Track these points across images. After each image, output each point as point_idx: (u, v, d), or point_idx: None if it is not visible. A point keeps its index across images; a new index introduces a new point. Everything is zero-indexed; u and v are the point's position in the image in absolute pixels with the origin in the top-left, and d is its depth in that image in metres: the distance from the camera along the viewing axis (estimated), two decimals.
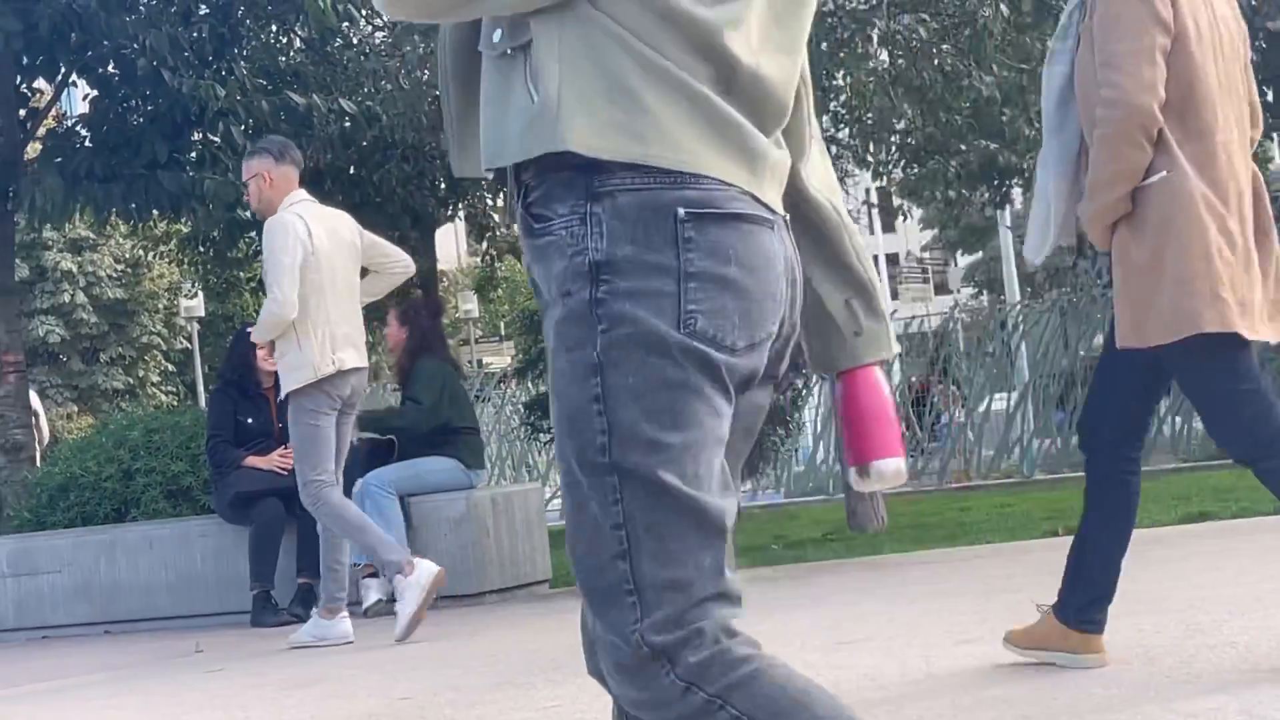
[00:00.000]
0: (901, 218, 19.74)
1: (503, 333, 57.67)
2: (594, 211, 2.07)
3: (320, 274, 7.90)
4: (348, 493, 9.32)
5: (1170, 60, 4.48)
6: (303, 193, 8.13)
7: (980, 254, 48.91)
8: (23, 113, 13.32)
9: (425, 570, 7.79)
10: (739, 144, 2.11)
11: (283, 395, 8.10)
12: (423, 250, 18.01)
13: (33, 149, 13.55)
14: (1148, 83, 4.43)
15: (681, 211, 2.05)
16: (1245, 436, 4.47)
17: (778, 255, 2.14)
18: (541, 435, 16.37)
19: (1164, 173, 4.46)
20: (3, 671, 8.54)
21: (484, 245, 20.16)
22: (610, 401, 2.05)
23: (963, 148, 13.33)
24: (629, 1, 2.04)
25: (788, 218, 2.23)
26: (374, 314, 11.90)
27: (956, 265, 55.63)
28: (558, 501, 19.67)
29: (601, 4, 2.05)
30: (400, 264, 8.62)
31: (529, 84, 2.10)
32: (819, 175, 2.47)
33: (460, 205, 18.17)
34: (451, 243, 48.40)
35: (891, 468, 2.52)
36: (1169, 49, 4.48)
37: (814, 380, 16.65)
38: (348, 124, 14.05)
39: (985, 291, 49.25)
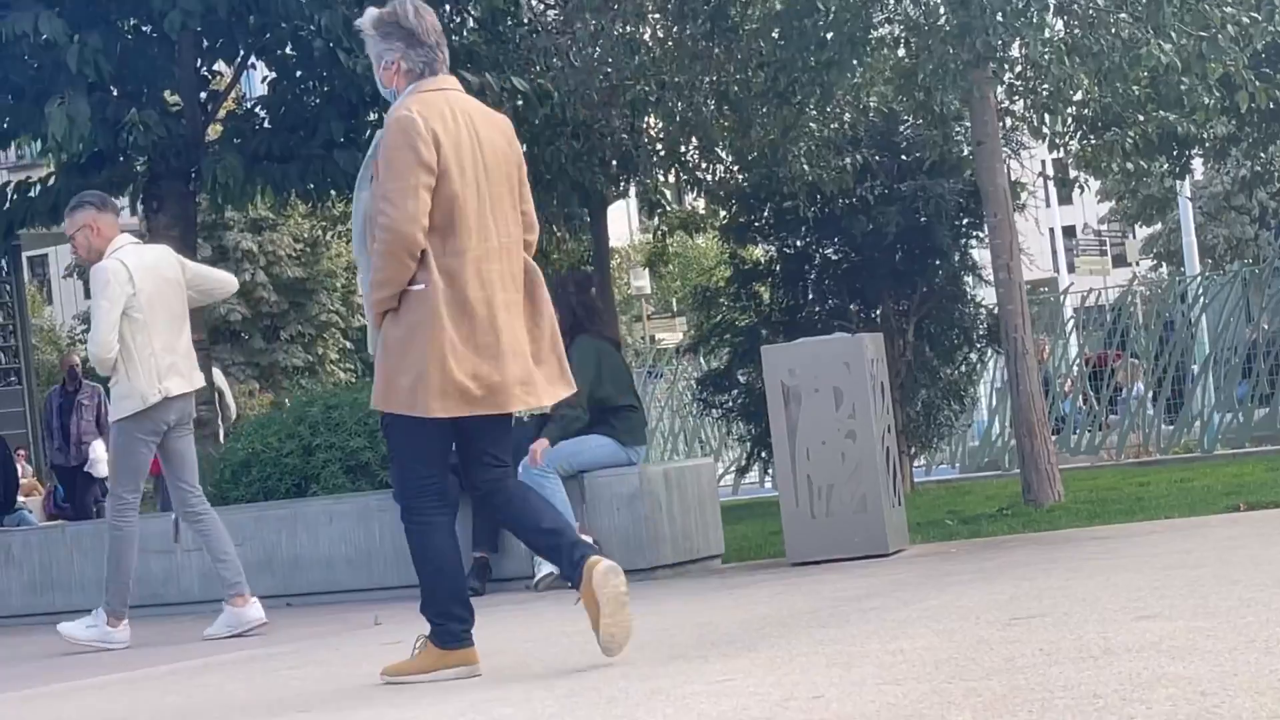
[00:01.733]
0: (1078, 190, 19.40)
1: (675, 308, 57.76)
2: None
3: (143, 312, 8.62)
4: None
5: (435, 195, 5.55)
6: (126, 237, 8.90)
7: (1159, 226, 48.09)
8: (203, 95, 13.57)
9: (251, 612, 8.78)
10: None
11: (111, 420, 8.87)
12: (594, 227, 18.12)
13: (213, 131, 13.81)
14: (411, 215, 5.51)
15: None
16: (402, 496, 6.00)
17: None
18: (714, 410, 16.37)
19: (421, 285, 5.56)
20: (191, 643, 8.73)
21: (655, 221, 20.19)
22: None
23: (1140, 118, 13.13)
24: None
25: None
26: None
27: (1134, 237, 54.77)
28: (730, 477, 19.69)
29: None
30: (223, 286, 9.44)
31: None
32: None
33: (631, 182, 18.22)
34: (623, 220, 48.52)
35: None
36: (433, 186, 5.54)
37: (988, 355, 16.48)
38: (520, 102, 14.15)
39: (1164, 264, 48.44)
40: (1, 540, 11.45)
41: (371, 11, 5.86)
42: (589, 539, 9.33)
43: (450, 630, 5.84)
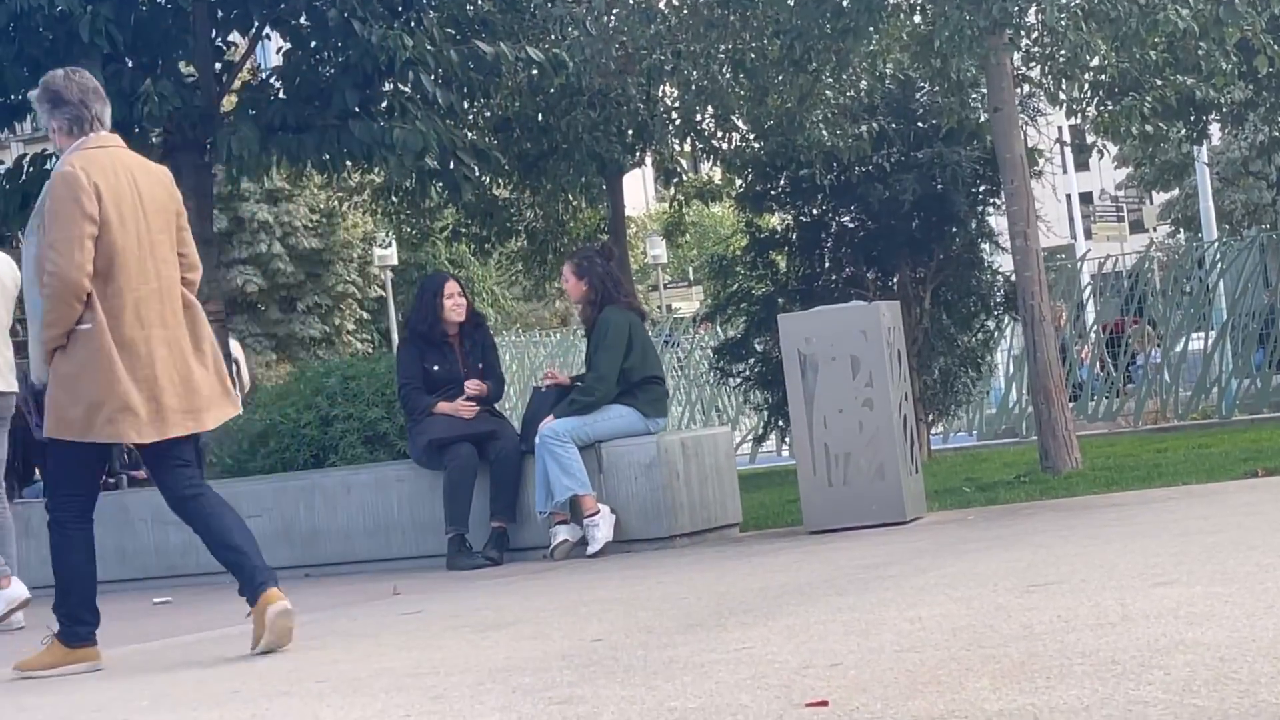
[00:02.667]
0: (1096, 155, 19.34)
1: (691, 277, 57.71)
2: None
3: None
4: (531, 442, 9.48)
5: (98, 243, 6.22)
6: None
7: (1176, 191, 47.93)
8: (218, 66, 13.56)
9: (14, 592, 8.79)
10: None
11: None
12: (610, 196, 18.10)
13: (228, 102, 13.81)
14: (78, 263, 6.18)
15: None
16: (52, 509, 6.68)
17: None
18: (731, 379, 16.36)
19: (88, 325, 6.24)
20: (211, 614, 8.75)
21: (671, 191, 20.16)
22: None
23: (1158, 83, 13.07)
24: None
25: None
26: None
27: (1151, 203, 54.57)
28: (747, 446, 19.69)
29: None
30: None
31: None
32: None
33: (647, 151, 18.19)
34: (639, 188, 48.49)
35: None
36: (96, 234, 6.21)
37: (1005, 323, 16.45)
38: (535, 72, 14.13)
39: (1181, 229, 48.28)
40: (21, 512, 11.47)
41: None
42: (606, 508, 9.39)
43: (76, 632, 6.63)
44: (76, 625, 6.64)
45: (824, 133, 13.22)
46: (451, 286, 10.23)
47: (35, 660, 6.60)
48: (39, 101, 6.55)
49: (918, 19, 12.37)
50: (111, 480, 15.57)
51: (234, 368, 14.23)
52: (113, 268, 6.28)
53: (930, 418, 16.22)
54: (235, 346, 16.17)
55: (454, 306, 10.10)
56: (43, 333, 6.31)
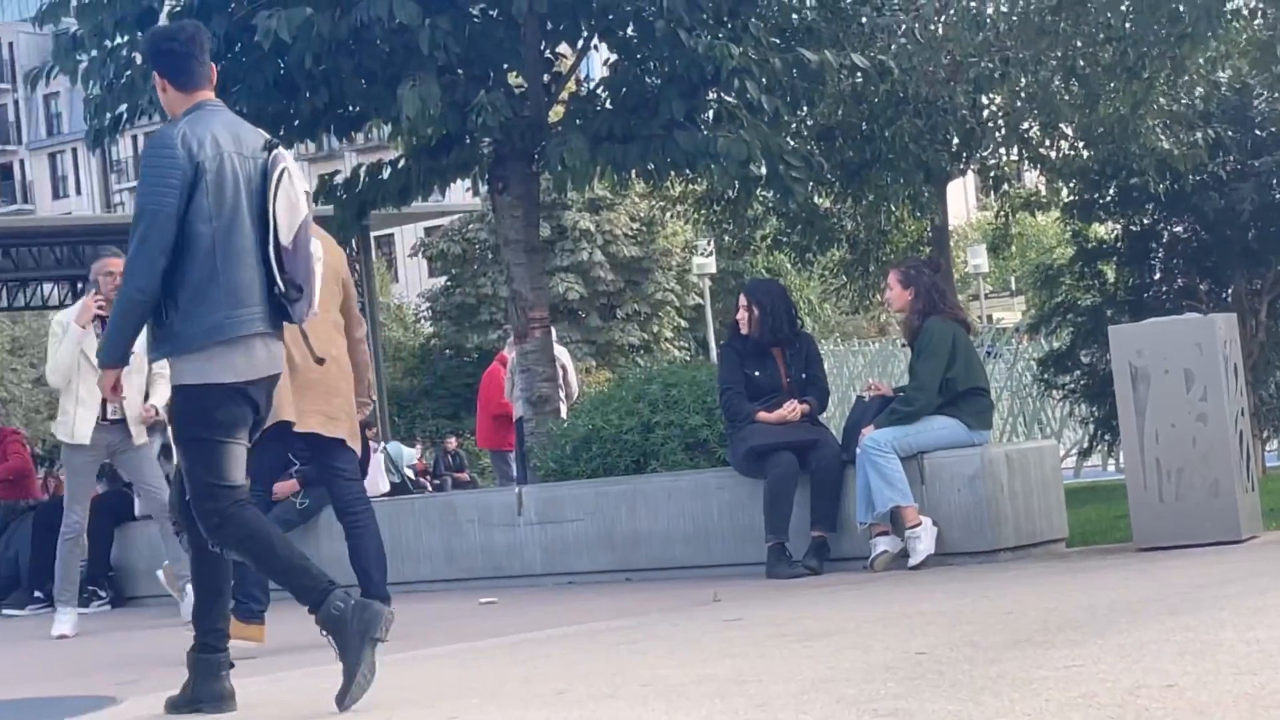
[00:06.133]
0: None
1: (1013, 287, 56.89)
2: None
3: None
4: (852, 451, 9.44)
5: None
6: None
7: None
8: (546, 77, 13.78)
9: None
10: None
11: None
12: (935, 205, 17.91)
13: (554, 113, 14.01)
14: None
15: None
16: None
17: None
18: (1056, 391, 16.07)
19: None
20: (534, 614, 8.90)
21: (997, 200, 19.89)
22: None
23: None
24: None
25: None
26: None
27: None
28: (1071, 460, 19.32)
29: None
30: None
31: None
32: None
33: (971, 160, 17.98)
34: (960, 198, 47.96)
35: None
36: None
37: None
38: (859, 79, 14.05)
39: None
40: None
41: None
42: (928, 520, 9.29)
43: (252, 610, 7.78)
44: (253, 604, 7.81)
45: (1162, 140, 12.90)
46: (742, 299, 10.28)
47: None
48: None
49: (1259, 23, 12.00)
50: (437, 482, 15.93)
51: (561, 374, 14.45)
52: None
53: (1265, 434, 15.73)
54: (563, 353, 16.42)
55: (743, 319, 10.14)
56: None
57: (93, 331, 9.88)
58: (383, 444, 24.66)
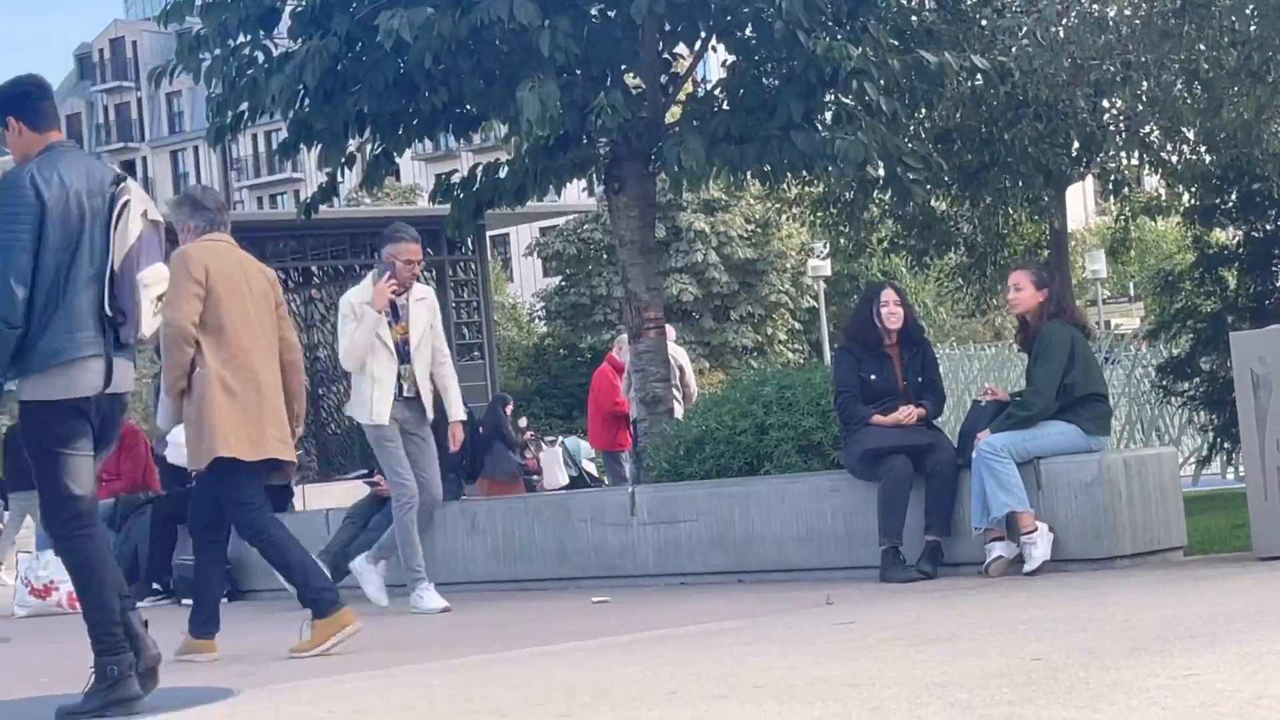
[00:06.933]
0: None
1: (1132, 293, 56.31)
2: None
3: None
4: (967, 455, 9.38)
5: (208, 306, 8.04)
6: None
7: None
8: (663, 78, 13.79)
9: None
10: None
11: None
12: (1054, 209, 17.78)
13: (671, 114, 14.02)
14: (185, 314, 7.98)
15: None
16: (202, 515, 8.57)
17: None
18: (1175, 399, 15.88)
19: (200, 369, 8.02)
20: (646, 614, 8.91)
21: (1117, 204, 19.70)
22: None
23: None
24: None
25: None
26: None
27: None
28: (1190, 468, 19.07)
29: None
30: None
31: None
32: None
33: (1091, 164, 17.82)
34: (1078, 202, 47.54)
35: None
36: (202, 295, 8.02)
37: None
38: (979, 81, 13.96)
39: None
40: (466, 509, 11.90)
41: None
42: (1044, 526, 9.21)
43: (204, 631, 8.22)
44: (206, 625, 8.20)
45: None
46: (889, 294, 10.19)
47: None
48: (179, 206, 8.43)
49: None
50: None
51: (678, 374, 14.45)
52: (222, 327, 8.03)
53: None
54: (681, 354, 16.44)
55: (890, 314, 10.05)
56: (166, 377, 8.18)
57: (385, 317, 10.10)
58: (561, 439, 24.86)
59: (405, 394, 10.26)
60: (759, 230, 51.04)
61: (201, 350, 8.00)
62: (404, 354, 10.25)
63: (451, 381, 10.52)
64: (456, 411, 10.46)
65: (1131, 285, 55.38)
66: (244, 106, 13.33)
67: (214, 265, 8.10)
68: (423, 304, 10.37)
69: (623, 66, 13.56)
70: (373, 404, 10.15)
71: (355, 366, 10.26)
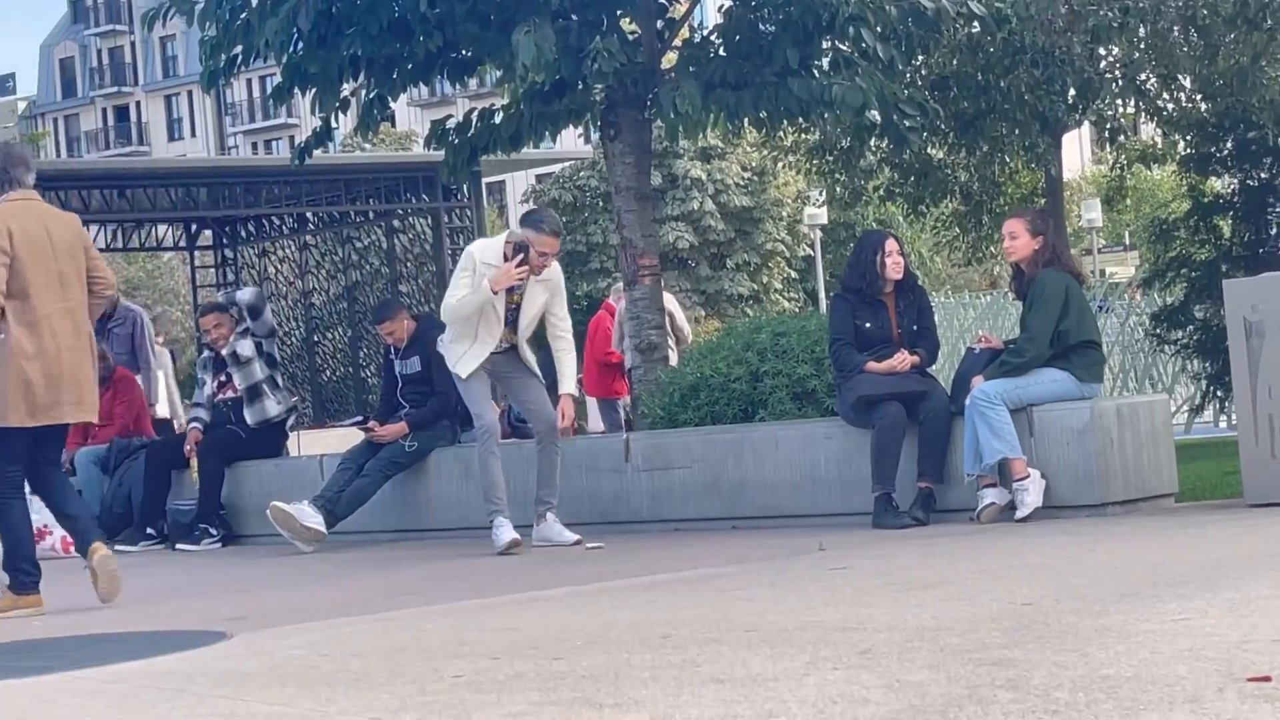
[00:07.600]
0: None
1: (1127, 242, 56.31)
2: None
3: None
4: (960, 402, 9.40)
5: (13, 272, 8.06)
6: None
7: None
8: (660, 24, 13.74)
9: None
10: None
11: None
12: (1050, 157, 17.75)
13: (667, 60, 13.97)
14: None
15: None
16: None
17: None
18: (1168, 347, 15.92)
19: (2, 335, 8.05)
20: (640, 560, 8.95)
21: (1113, 153, 19.67)
22: None
23: None
24: None
25: None
26: None
27: None
28: (1182, 416, 19.13)
29: None
30: None
31: None
32: None
33: (1087, 111, 17.79)
34: (1074, 151, 47.47)
35: None
36: (9, 263, 8.05)
37: None
38: (976, 28, 13.92)
39: None
40: (461, 455, 11.92)
41: None
42: (1036, 473, 9.23)
43: (22, 581, 8.13)
44: (21, 575, 8.19)
45: None
46: (892, 244, 10.19)
47: None
48: None
49: None
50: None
51: (668, 320, 14.44)
52: (27, 291, 8.09)
53: None
54: (670, 300, 16.43)
55: (894, 264, 10.06)
56: None
57: (502, 294, 10.06)
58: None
59: (499, 349, 10.28)
60: (755, 178, 50.98)
61: (5, 317, 8.09)
62: (511, 322, 10.26)
63: (567, 356, 10.47)
64: (568, 384, 10.36)
65: (1127, 234, 55.37)
66: (237, 50, 13.28)
67: (16, 228, 8.16)
68: (544, 284, 10.29)
69: (619, 11, 13.51)
70: (464, 358, 10.17)
71: (457, 322, 10.20)
